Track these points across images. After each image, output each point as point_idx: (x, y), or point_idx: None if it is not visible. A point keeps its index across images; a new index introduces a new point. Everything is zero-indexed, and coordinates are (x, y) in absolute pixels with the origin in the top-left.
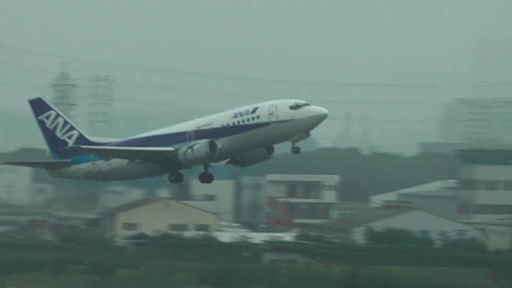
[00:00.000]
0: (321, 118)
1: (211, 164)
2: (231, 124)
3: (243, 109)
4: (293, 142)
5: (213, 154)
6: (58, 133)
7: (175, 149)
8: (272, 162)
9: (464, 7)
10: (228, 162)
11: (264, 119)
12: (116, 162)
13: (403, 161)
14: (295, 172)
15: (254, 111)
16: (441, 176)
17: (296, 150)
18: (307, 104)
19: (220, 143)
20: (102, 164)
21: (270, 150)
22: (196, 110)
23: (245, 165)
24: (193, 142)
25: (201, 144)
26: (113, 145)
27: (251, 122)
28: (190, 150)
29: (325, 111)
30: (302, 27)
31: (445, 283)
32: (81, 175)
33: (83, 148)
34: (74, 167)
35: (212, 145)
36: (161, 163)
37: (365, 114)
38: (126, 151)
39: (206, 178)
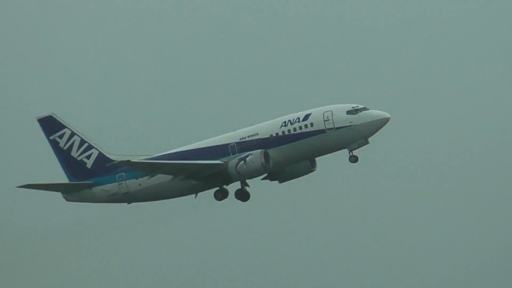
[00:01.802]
0: (383, 122)
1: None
2: (280, 134)
3: (292, 116)
4: (351, 150)
5: (268, 165)
6: (74, 153)
7: (224, 162)
8: None
9: None
10: (264, 178)
11: (319, 126)
12: (147, 181)
13: None
14: None
15: (306, 118)
16: None
17: (354, 159)
18: (365, 108)
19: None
20: (131, 184)
21: (313, 162)
22: None
23: (284, 180)
24: (245, 154)
25: (255, 155)
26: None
27: (304, 130)
28: (242, 162)
29: (387, 114)
30: None
31: None
32: (105, 197)
33: (133, 163)
34: (97, 189)
35: (266, 156)
36: (205, 178)
37: None
38: (177, 165)
39: (243, 195)
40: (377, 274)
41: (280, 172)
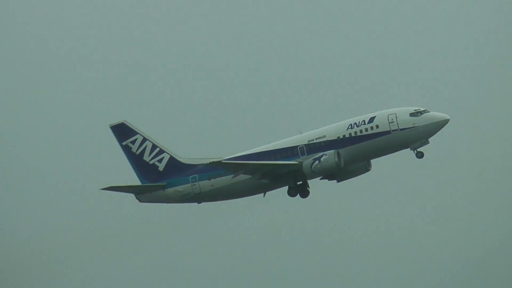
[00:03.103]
0: (444, 123)
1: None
2: (347, 136)
3: (357, 119)
4: (414, 149)
5: (340, 164)
6: (146, 157)
7: (299, 162)
8: None
9: None
10: (322, 178)
11: (384, 128)
12: (220, 181)
13: None
14: None
15: (371, 120)
16: None
17: (421, 155)
18: (426, 110)
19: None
20: (204, 185)
21: (369, 163)
22: None
23: (342, 179)
24: (319, 154)
25: (329, 155)
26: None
27: (370, 132)
28: (317, 162)
29: (447, 116)
30: None
31: None
32: (178, 198)
33: (223, 163)
34: (170, 190)
35: (339, 156)
36: (278, 177)
37: None
38: (260, 165)
39: (304, 192)
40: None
41: (339, 172)
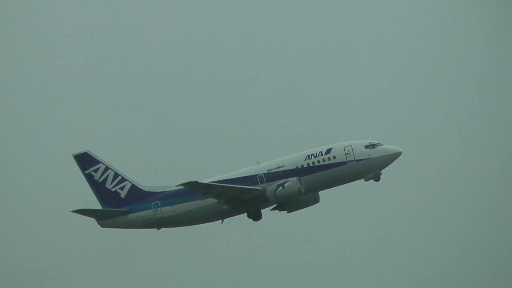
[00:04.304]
0: (397, 155)
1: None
2: (305, 166)
3: (314, 151)
4: (367, 179)
5: (302, 190)
6: (108, 185)
7: (262, 188)
8: None
9: None
10: (273, 209)
11: (341, 159)
12: (181, 207)
13: None
14: None
15: (328, 151)
16: None
17: (378, 178)
18: (380, 143)
19: None
20: (165, 210)
21: (318, 194)
22: None
23: (292, 210)
24: (282, 181)
25: (292, 182)
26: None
27: (327, 162)
28: (281, 187)
29: (400, 149)
30: None
31: None
32: (139, 223)
33: (199, 184)
34: (132, 215)
35: (301, 183)
36: (240, 202)
37: None
38: (229, 188)
39: (258, 215)
40: None
41: (289, 203)
